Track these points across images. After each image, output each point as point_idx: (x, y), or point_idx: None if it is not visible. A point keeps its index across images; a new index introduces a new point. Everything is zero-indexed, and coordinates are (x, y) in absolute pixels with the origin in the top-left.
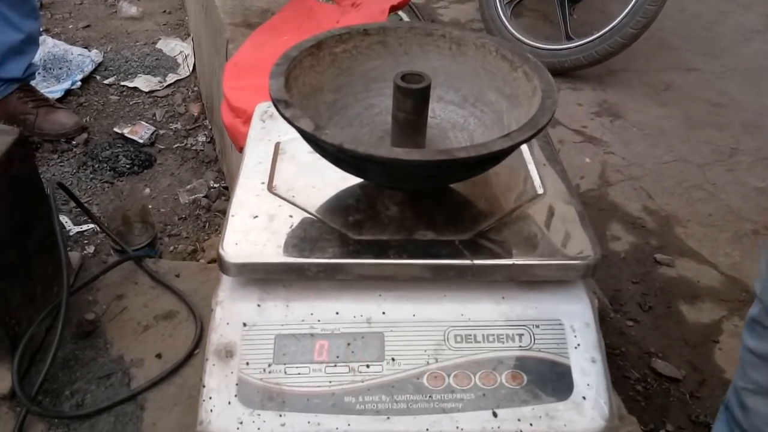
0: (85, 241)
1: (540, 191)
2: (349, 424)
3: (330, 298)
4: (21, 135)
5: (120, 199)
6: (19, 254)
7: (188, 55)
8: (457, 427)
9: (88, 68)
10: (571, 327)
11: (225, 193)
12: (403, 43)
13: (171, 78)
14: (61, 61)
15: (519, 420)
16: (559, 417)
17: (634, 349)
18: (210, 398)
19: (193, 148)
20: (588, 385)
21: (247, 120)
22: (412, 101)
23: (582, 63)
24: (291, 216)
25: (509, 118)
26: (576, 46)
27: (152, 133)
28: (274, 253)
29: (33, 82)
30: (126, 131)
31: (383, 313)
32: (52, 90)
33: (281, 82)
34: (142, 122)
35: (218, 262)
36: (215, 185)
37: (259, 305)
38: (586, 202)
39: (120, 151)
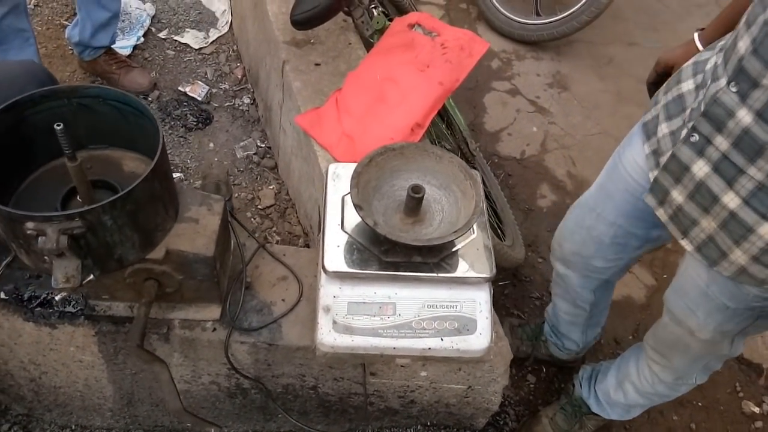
0: None
1: (473, 235)
2: (380, 341)
3: (372, 285)
4: (224, 202)
5: (194, 152)
6: (223, 255)
7: (225, 10)
8: (425, 345)
9: (146, 22)
10: (479, 303)
11: (269, 152)
12: (412, 154)
13: (213, 34)
14: (122, 14)
15: (452, 342)
16: (470, 341)
17: (539, 277)
18: (321, 329)
19: (240, 108)
20: (483, 328)
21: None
22: (416, 201)
23: (544, 38)
24: (353, 246)
25: (461, 203)
26: (541, 23)
27: (207, 92)
28: (346, 266)
29: None
30: (188, 90)
31: (396, 293)
32: (122, 46)
33: (356, 192)
34: (199, 81)
35: (322, 268)
36: (261, 145)
37: (340, 287)
38: (527, 166)
39: (187, 110)
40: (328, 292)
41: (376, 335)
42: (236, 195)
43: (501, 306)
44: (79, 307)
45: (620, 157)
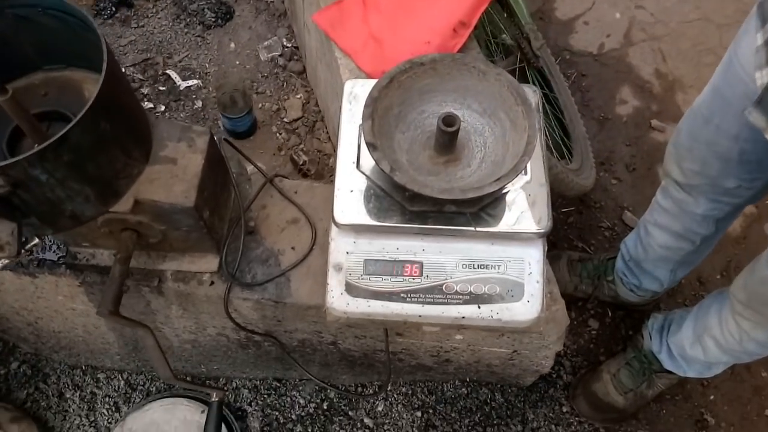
0: (193, 96)
1: (527, 178)
2: (402, 308)
3: (394, 239)
4: (211, 133)
5: (213, 55)
6: (217, 197)
7: None
8: (459, 313)
9: None
10: (528, 263)
11: (296, 53)
12: (447, 69)
13: None
14: None
15: (491, 311)
16: (514, 310)
17: (611, 203)
18: (331, 291)
19: None
20: (532, 294)
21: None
22: (449, 135)
23: None
24: (371, 192)
25: (509, 137)
26: None
27: None
28: (363, 217)
29: None
30: None
31: (423, 250)
32: None
33: (369, 125)
34: None
35: (332, 219)
36: (288, 45)
37: (354, 242)
38: (605, 63)
39: (204, 4)
40: (340, 246)
41: (398, 300)
42: (260, 105)
43: (563, 237)
44: (59, 254)
45: (735, 51)
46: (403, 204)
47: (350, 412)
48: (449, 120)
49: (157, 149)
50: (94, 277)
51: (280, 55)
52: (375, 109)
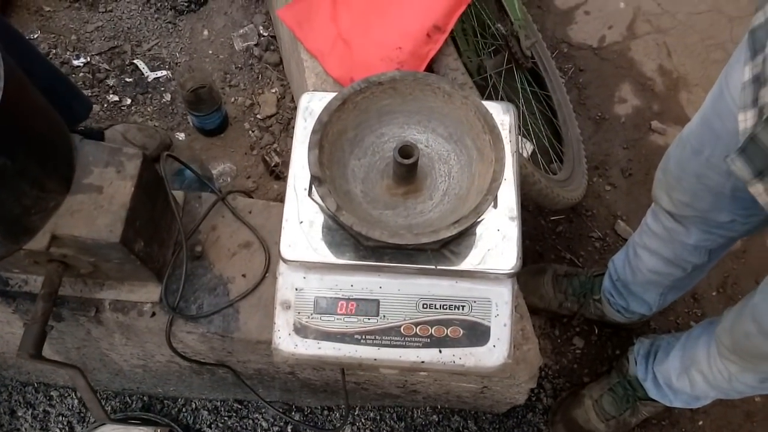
0: (162, 89)
1: (496, 211)
2: (356, 350)
3: (348, 275)
4: (144, 156)
5: (184, 43)
6: (156, 224)
7: None
8: (418, 357)
9: None
10: (495, 304)
11: (273, 42)
12: (410, 89)
13: None
14: None
15: (453, 355)
16: (478, 355)
17: (604, 211)
18: (278, 331)
19: None
20: (498, 339)
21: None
22: (406, 168)
23: None
24: (323, 224)
25: (475, 168)
26: None
27: None
28: (313, 254)
29: None
30: None
31: (380, 287)
32: None
33: (316, 155)
34: None
35: (279, 255)
36: (264, 33)
37: (304, 277)
38: (605, 58)
39: None
40: (288, 282)
41: (352, 342)
42: (233, 100)
43: (550, 247)
44: None
45: (727, 82)
46: (357, 239)
47: None
48: (407, 151)
49: (81, 176)
50: (27, 305)
51: (255, 45)
52: (325, 134)
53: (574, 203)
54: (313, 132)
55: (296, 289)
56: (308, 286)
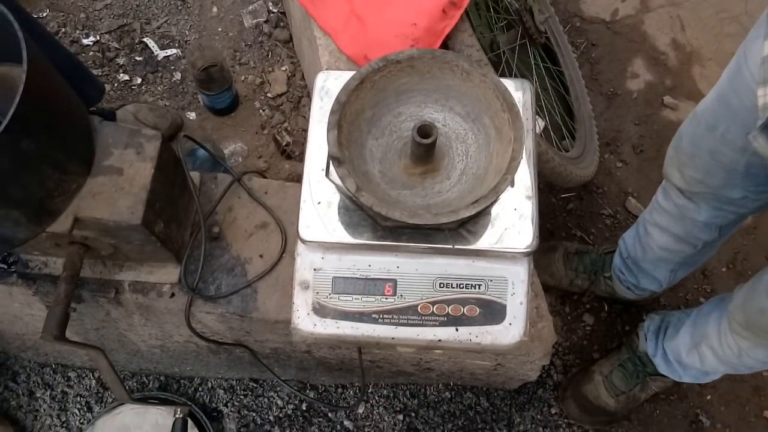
0: (172, 67)
1: (513, 190)
2: (374, 329)
3: (365, 255)
4: (163, 138)
5: (193, 20)
6: (174, 205)
7: None
8: (434, 335)
9: None
10: (512, 282)
11: (283, 19)
12: (428, 67)
13: None
14: None
15: (470, 333)
16: (494, 333)
17: (614, 188)
18: (297, 311)
19: None
20: (514, 317)
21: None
22: (424, 147)
23: None
24: (341, 204)
25: (493, 147)
26: None
27: None
28: (331, 234)
29: None
30: None
31: (397, 267)
32: None
33: (335, 135)
34: None
35: (298, 235)
36: (274, 10)
37: (322, 258)
38: (618, 32)
39: None
40: (307, 263)
41: (370, 321)
42: (242, 78)
43: (561, 224)
44: (10, 260)
45: (745, 56)
46: (374, 219)
47: (330, 414)
48: (425, 130)
49: (101, 158)
50: (47, 287)
51: (265, 22)
52: (343, 114)
53: (586, 180)
54: (332, 112)
55: (315, 270)
56: (326, 266)
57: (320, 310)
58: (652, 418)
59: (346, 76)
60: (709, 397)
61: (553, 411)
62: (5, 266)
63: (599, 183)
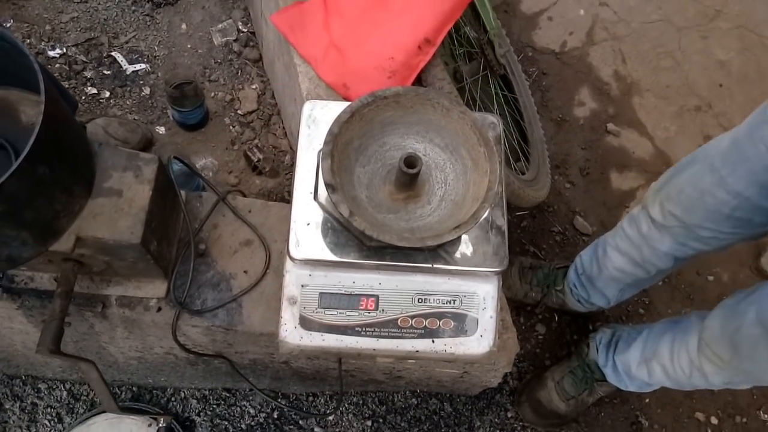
0: (141, 82)
1: (486, 215)
2: (357, 341)
3: (350, 273)
4: (160, 161)
5: (162, 36)
6: (166, 224)
7: None
8: (413, 347)
9: None
10: (483, 298)
11: (252, 39)
12: (411, 103)
13: None
14: None
15: (445, 344)
16: (467, 344)
17: (563, 207)
18: (284, 324)
19: None
20: (485, 329)
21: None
22: (409, 177)
23: None
24: (328, 225)
25: (470, 176)
26: None
27: None
28: (319, 252)
29: None
30: None
31: (380, 283)
32: None
33: (328, 164)
34: None
35: (287, 253)
36: (243, 29)
37: (309, 275)
38: (566, 62)
39: None
40: (294, 279)
41: (353, 334)
42: (212, 95)
43: (515, 241)
44: None
45: None
46: (360, 240)
47: (301, 422)
48: (411, 161)
49: (101, 180)
50: (32, 301)
51: (234, 40)
52: (335, 144)
53: (540, 201)
54: (326, 143)
55: (302, 286)
56: (313, 282)
57: (307, 324)
58: (597, 420)
59: (331, 105)
60: (647, 401)
61: (509, 415)
62: None
63: (550, 202)
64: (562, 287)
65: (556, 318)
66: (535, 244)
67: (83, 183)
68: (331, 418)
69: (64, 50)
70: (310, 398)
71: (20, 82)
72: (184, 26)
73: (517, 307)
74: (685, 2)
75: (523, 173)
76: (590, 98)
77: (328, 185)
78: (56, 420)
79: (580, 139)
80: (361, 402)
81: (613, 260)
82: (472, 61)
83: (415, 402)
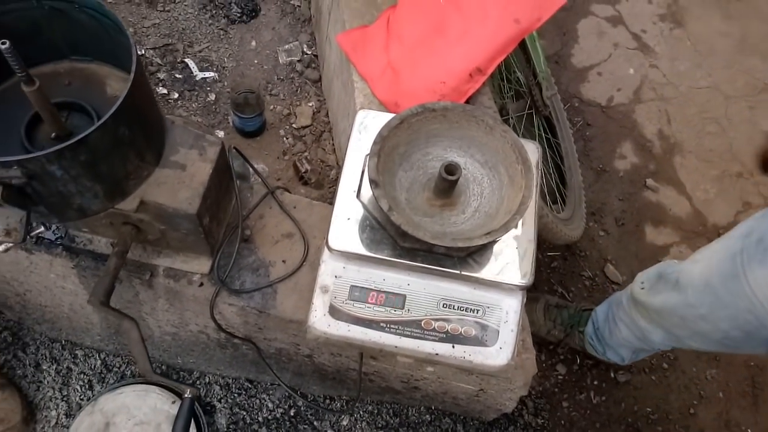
0: (208, 88)
1: (517, 231)
2: (380, 337)
3: (382, 270)
4: (222, 145)
5: (233, 50)
6: (219, 204)
7: None
8: (433, 349)
9: None
10: (506, 312)
11: (314, 61)
12: (457, 118)
13: None
14: None
15: (464, 351)
16: (486, 354)
17: (595, 254)
18: (315, 310)
19: (291, 2)
20: (505, 342)
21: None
22: (449, 183)
23: None
24: (366, 222)
25: (505, 192)
26: None
27: None
28: (356, 246)
29: None
30: None
31: (408, 284)
32: None
33: (375, 162)
34: None
35: (326, 244)
36: (308, 52)
37: (344, 267)
38: (611, 116)
39: None
40: (330, 270)
41: (378, 329)
42: (271, 107)
43: (544, 280)
44: (58, 235)
45: (745, 273)
46: (395, 239)
47: (315, 423)
48: (451, 169)
49: (169, 153)
50: (88, 262)
51: (298, 61)
52: (383, 147)
53: (572, 241)
54: (374, 143)
55: (335, 277)
56: (346, 275)
57: (335, 313)
58: None
59: (382, 115)
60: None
61: None
62: (52, 238)
63: (582, 247)
64: (584, 330)
65: (578, 360)
66: (564, 285)
67: (154, 152)
68: (345, 423)
69: (143, 52)
70: (327, 401)
71: (112, 58)
72: (254, 43)
73: (539, 344)
74: (735, 73)
75: (559, 213)
76: (632, 153)
77: (372, 181)
78: (87, 387)
79: (618, 191)
80: (375, 411)
81: (621, 330)
82: (519, 100)
83: (429, 418)
